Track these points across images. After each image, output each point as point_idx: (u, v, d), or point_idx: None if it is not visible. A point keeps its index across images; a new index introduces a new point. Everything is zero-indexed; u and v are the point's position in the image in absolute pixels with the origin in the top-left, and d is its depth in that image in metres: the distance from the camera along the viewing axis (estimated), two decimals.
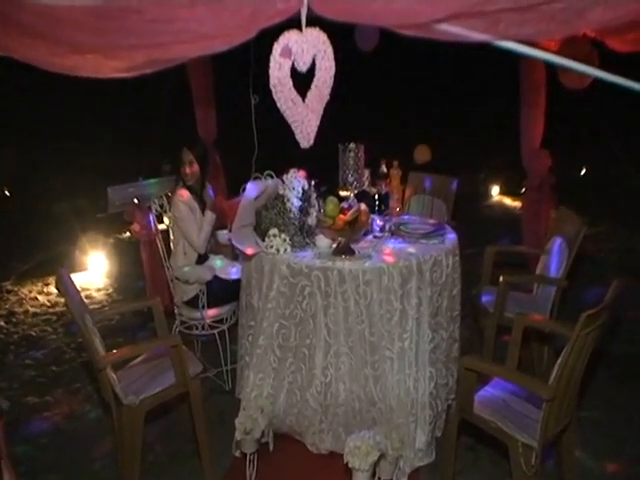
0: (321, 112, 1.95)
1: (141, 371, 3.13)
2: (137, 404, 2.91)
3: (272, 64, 1.88)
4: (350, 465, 2.62)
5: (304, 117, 1.92)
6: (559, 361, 2.44)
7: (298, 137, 1.96)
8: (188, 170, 3.78)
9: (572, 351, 2.38)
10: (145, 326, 4.68)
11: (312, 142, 1.96)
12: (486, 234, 6.14)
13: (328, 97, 1.93)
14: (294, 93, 1.91)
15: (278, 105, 1.93)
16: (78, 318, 2.77)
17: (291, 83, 1.90)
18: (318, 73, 1.90)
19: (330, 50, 1.86)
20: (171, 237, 3.92)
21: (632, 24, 2.04)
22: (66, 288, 2.84)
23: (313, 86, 1.92)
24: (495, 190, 8.64)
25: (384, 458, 2.78)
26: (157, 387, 3.00)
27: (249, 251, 3.24)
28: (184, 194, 3.77)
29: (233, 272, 3.84)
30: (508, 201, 8.29)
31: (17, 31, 1.89)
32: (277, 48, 1.86)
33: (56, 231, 6.82)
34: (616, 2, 1.71)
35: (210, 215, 3.80)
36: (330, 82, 1.90)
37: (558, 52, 3.36)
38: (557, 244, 3.64)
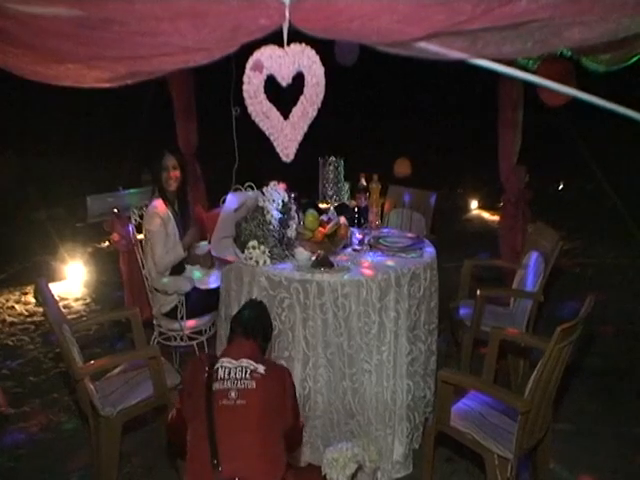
0: (304, 128, 1.96)
1: (119, 382, 3.12)
2: (114, 415, 2.90)
3: (244, 78, 1.90)
4: (328, 477, 2.62)
5: (279, 131, 1.93)
6: (534, 374, 2.47)
7: (277, 150, 1.97)
8: (172, 174, 3.75)
9: (547, 364, 2.42)
10: (123, 337, 4.64)
11: (292, 157, 1.97)
12: (464, 248, 6.21)
13: (314, 114, 1.94)
14: (267, 106, 1.92)
15: (252, 117, 1.94)
16: (56, 328, 2.76)
17: (263, 96, 1.91)
18: (305, 89, 1.91)
19: (317, 66, 1.87)
20: (142, 249, 3.89)
21: (608, 44, 2.09)
22: (44, 298, 2.83)
23: (299, 102, 1.93)
24: (473, 204, 8.71)
25: (362, 470, 2.79)
26: (135, 398, 2.99)
27: (230, 258, 3.25)
28: (159, 206, 3.74)
29: (211, 281, 3.83)
30: (486, 215, 8.37)
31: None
32: (249, 62, 1.88)
33: (34, 240, 6.75)
34: (592, 22, 1.75)
35: (180, 251, 3.80)
36: (317, 100, 1.91)
37: (536, 70, 3.42)
38: (533, 259, 3.69)
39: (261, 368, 2.23)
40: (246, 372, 2.21)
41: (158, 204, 3.75)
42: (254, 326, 2.41)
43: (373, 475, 2.94)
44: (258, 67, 1.85)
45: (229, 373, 2.20)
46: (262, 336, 2.44)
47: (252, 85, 1.88)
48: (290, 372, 2.43)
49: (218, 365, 2.24)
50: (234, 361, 2.25)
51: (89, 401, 2.87)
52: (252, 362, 2.25)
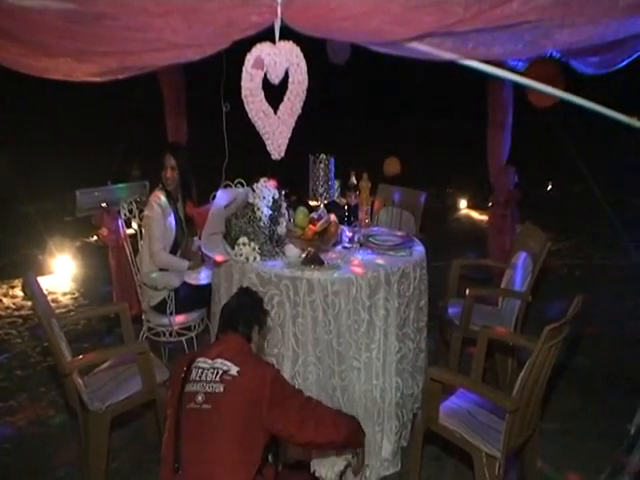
0: (292, 124, 1.97)
1: (107, 377, 3.11)
2: (103, 410, 2.89)
3: (244, 75, 1.90)
4: (317, 474, 2.63)
5: (275, 129, 1.94)
6: (522, 373, 2.49)
7: (269, 148, 1.98)
8: (169, 175, 3.77)
9: (535, 363, 2.43)
10: (112, 332, 4.63)
11: (283, 154, 1.98)
12: (453, 247, 6.23)
13: (300, 110, 1.95)
14: (265, 105, 1.93)
15: (249, 116, 1.94)
16: (44, 322, 2.75)
17: (262, 95, 1.91)
18: (291, 86, 1.92)
19: (303, 64, 1.88)
20: (140, 239, 3.89)
21: (596, 47, 2.11)
22: (33, 292, 2.81)
23: (285, 98, 1.94)
24: (463, 204, 8.74)
25: (350, 467, 2.80)
26: (123, 394, 2.99)
27: (218, 259, 3.24)
28: (161, 196, 3.76)
29: (202, 278, 3.82)
30: (475, 215, 8.40)
31: None
32: (249, 59, 1.88)
33: (22, 234, 6.72)
34: (582, 25, 1.76)
35: (185, 264, 3.80)
36: (303, 95, 1.92)
37: (525, 72, 3.44)
38: (522, 259, 3.71)
39: (234, 370, 2.12)
40: (217, 374, 2.12)
41: (161, 195, 3.76)
42: (232, 317, 2.32)
43: (361, 472, 2.96)
44: (259, 64, 1.85)
45: (201, 375, 2.14)
46: (243, 323, 2.31)
47: (254, 82, 1.88)
48: (277, 370, 2.27)
49: (193, 366, 2.18)
50: (209, 361, 2.17)
51: (77, 396, 2.85)
52: (227, 362, 2.15)
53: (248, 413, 2.11)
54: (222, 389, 2.10)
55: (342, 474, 2.72)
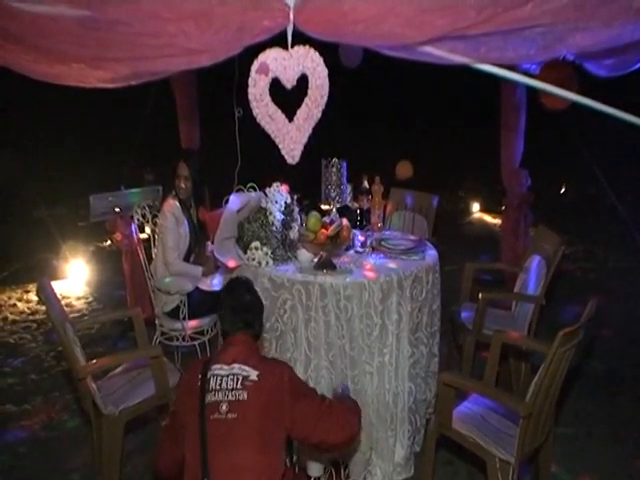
0: (309, 130, 1.96)
1: (121, 381, 3.12)
2: (117, 414, 2.90)
3: (250, 80, 1.90)
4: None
5: (285, 133, 1.93)
6: (536, 378, 2.47)
7: (283, 152, 1.98)
8: (183, 185, 3.74)
9: (549, 368, 2.41)
10: (125, 336, 4.65)
11: (297, 159, 1.97)
12: (466, 251, 6.20)
13: (319, 116, 1.94)
14: (273, 109, 1.93)
15: (257, 120, 1.94)
16: (59, 327, 2.76)
17: (269, 99, 1.91)
18: (309, 91, 1.92)
19: (322, 69, 1.87)
20: (154, 246, 3.91)
21: (610, 50, 2.10)
22: (47, 297, 2.83)
23: (304, 104, 1.93)
24: (475, 207, 8.71)
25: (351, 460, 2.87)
26: (137, 398, 3.00)
27: (231, 264, 3.25)
28: (173, 204, 3.75)
29: (215, 284, 3.83)
30: (488, 218, 8.36)
31: (2, 38, 1.90)
32: (255, 64, 1.88)
33: (36, 238, 6.76)
34: (595, 28, 1.75)
35: (199, 270, 3.80)
36: (322, 101, 1.91)
37: (539, 75, 3.43)
38: (535, 262, 3.69)
39: (254, 374, 2.12)
40: (237, 381, 2.11)
41: (173, 203, 3.75)
42: (247, 317, 2.28)
43: (365, 467, 2.96)
44: (264, 70, 1.86)
45: (220, 383, 2.11)
46: (259, 323, 2.33)
47: (258, 88, 1.88)
48: (291, 367, 2.28)
49: (210, 374, 2.15)
50: (226, 367, 2.15)
51: (91, 400, 2.86)
52: (245, 367, 2.14)
53: (272, 414, 2.11)
54: (246, 396, 2.08)
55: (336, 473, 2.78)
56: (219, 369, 2.15)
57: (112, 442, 2.93)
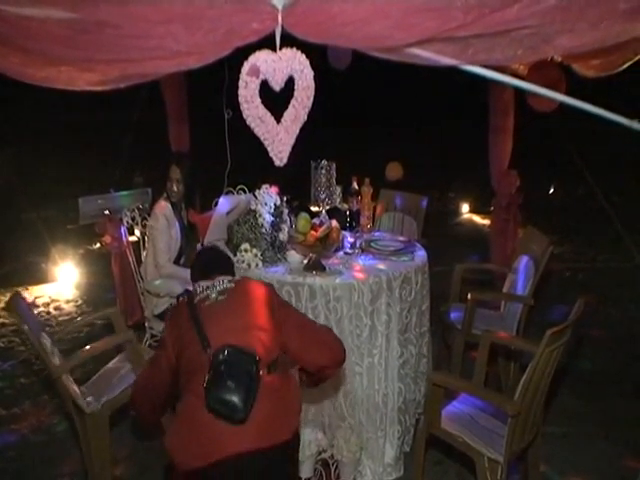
0: (296, 132, 1.96)
1: (103, 380, 3.13)
2: (99, 408, 2.88)
3: (240, 82, 1.90)
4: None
5: (274, 135, 1.94)
6: (524, 377, 2.49)
7: (271, 154, 1.98)
8: (175, 188, 3.71)
9: (537, 367, 2.43)
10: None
11: (285, 161, 1.98)
12: (455, 252, 6.23)
13: (305, 118, 1.95)
14: (262, 111, 1.93)
15: (247, 122, 1.95)
16: (34, 340, 2.72)
17: (259, 101, 1.91)
18: (296, 93, 1.92)
19: (308, 71, 1.88)
20: (143, 248, 3.89)
21: (597, 51, 2.11)
22: (21, 311, 2.77)
23: (290, 106, 1.94)
24: (464, 208, 8.74)
25: (341, 462, 2.94)
26: (118, 388, 3.01)
27: None
28: (165, 206, 3.73)
29: None
30: (478, 219, 8.40)
31: None
32: (245, 66, 1.88)
33: (25, 241, 6.73)
34: (582, 30, 1.76)
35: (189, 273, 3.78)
36: (308, 103, 1.92)
37: (527, 76, 3.45)
38: (524, 263, 3.71)
39: (236, 280, 2.32)
40: (223, 282, 2.28)
41: (165, 205, 3.73)
42: (222, 263, 2.46)
43: (355, 467, 2.97)
44: (254, 72, 1.86)
45: (207, 288, 2.26)
46: (232, 268, 2.49)
47: (249, 90, 1.88)
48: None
49: (196, 294, 2.28)
50: (209, 281, 2.30)
51: (72, 402, 2.83)
52: (227, 277, 2.33)
53: (260, 296, 2.28)
54: (233, 285, 2.28)
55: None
56: (203, 283, 2.31)
57: (99, 440, 2.90)
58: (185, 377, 2.13)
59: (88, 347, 3.00)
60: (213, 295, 2.22)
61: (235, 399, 1.95)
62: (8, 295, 5.65)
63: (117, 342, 3.07)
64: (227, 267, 2.46)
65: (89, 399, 2.87)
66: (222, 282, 2.28)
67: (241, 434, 2.00)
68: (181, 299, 2.30)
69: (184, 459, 2.03)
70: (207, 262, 2.46)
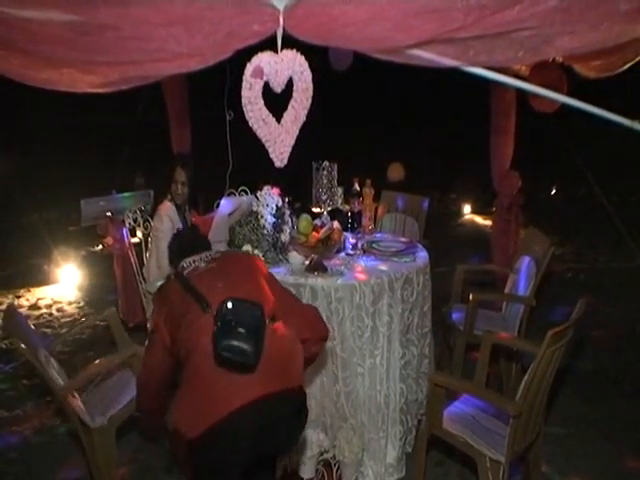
0: (296, 133, 1.98)
1: (104, 389, 3.10)
2: (106, 424, 2.84)
3: (244, 84, 1.91)
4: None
5: (276, 137, 1.95)
6: (526, 378, 2.49)
7: (272, 156, 1.99)
8: (180, 190, 3.69)
9: (539, 368, 2.43)
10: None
11: (286, 162, 1.99)
12: (457, 253, 6.23)
13: (304, 119, 1.96)
14: (265, 113, 1.94)
15: (250, 124, 1.95)
16: (30, 357, 2.66)
17: (262, 103, 1.92)
18: (295, 94, 1.93)
19: (307, 72, 1.89)
20: (145, 250, 3.89)
21: (598, 52, 2.12)
22: (19, 331, 2.75)
23: (290, 107, 1.95)
24: (466, 209, 8.73)
25: (343, 463, 2.92)
26: (123, 401, 2.97)
27: None
28: (170, 207, 3.70)
29: None
30: (479, 220, 8.39)
31: None
32: (249, 68, 1.89)
33: (27, 243, 6.74)
34: (583, 31, 1.77)
35: None
36: (307, 104, 1.93)
37: (528, 77, 3.45)
38: (525, 263, 3.71)
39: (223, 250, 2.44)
40: (209, 254, 2.36)
41: (170, 206, 3.71)
42: (195, 244, 2.48)
43: (356, 468, 2.97)
44: (258, 73, 1.86)
45: (194, 261, 2.31)
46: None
47: (253, 91, 1.89)
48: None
49: (180, 265, 2.34)
50: (196, 256, 2.35)
51: (77, 418, 2.78)
52: (210, 251, 2.41)
53: (247, 263, 2.40)
54: (219, 255, 2.37)
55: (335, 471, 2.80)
56: (189, 259, 2.34)
57: (106, 452, 2.86)
58: (186, 347, 2.12)
59: (93, 365, 2.95)
60: (202, 265, 2.28)
61: (245, 346, 1.96)
62: (11, 297, 5.69)
63: (122, 359, 3.02)
64: (207, 246, 2.51)
65: (96, 418, 2.82)
66: (208, 255, 2.35)
67: (251, 382, 2.02)
68: (171, 277, 2.33)
69: (193, 424, 2.00)
70: (188, 242, 2.51)
